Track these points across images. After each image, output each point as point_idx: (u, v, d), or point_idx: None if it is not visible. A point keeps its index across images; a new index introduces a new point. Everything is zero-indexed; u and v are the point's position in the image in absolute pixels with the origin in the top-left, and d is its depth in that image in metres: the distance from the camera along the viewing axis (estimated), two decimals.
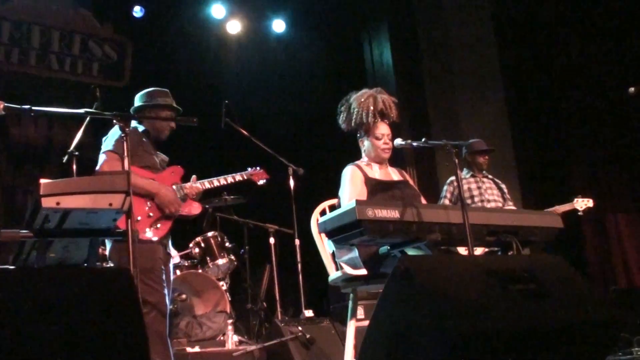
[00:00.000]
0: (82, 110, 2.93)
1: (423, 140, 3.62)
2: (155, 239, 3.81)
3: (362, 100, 4.01)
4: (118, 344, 1.82)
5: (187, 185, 4.15)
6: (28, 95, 7.27)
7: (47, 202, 2.46)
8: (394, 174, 4.12)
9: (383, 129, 4.05)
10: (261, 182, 4.92)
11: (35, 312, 1.80)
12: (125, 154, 2.87)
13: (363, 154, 4.12)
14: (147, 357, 1.81)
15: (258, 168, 4.93)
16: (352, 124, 4.03)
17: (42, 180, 2.48)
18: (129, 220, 2.67)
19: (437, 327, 2.00)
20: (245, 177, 4.75)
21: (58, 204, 2.47)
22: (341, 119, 4.12)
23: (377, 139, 4.02)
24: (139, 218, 3.73)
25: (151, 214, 3.85)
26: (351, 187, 3.87)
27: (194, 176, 4.25)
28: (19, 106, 2.86)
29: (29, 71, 7.83)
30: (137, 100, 4.23)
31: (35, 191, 2.48)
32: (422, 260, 2.55)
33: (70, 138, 4.40)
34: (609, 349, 2.38)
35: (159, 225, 3.86)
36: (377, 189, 3.87)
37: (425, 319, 2.06)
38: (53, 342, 1.79)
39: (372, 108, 3.99)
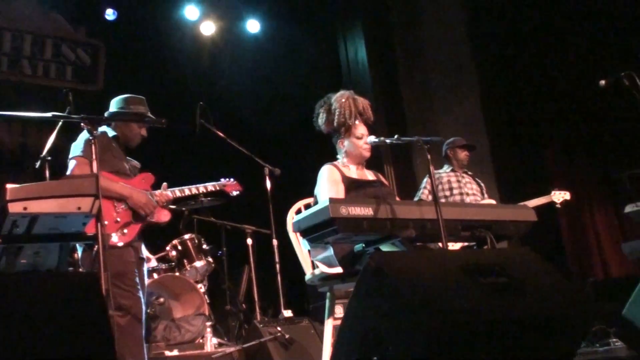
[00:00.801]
0: (49, 114, 2.90)
1: (396, 137, 3.62)
2: (121, 244, 3.78)
3: (343, 101, 4.04)
4: (85, 347, 1.81)
5: (157, 192, 4.13)
6: (1, 101, 7.22)
7: (14, 207, 2.42)
8: (369, 175, 4.15)
9: (362, 129, 4.08)
10: (234, 193, 4.89)
11: (1, 317, 1.78)
12: (94, 157, 2.85)
13: (341, 155, 4.12)
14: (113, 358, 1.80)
15: (232, 179, 4.90)
16: (334, 124, 4.04)
17: (9, 185, 2.44)
18: (99, 224, 2.64)
19: (408, 322, 2.01)
20: (218, 188, 4.72)
21: (25, 209, 2.44)
22: (320, 120, 4.13)
23: (358, 138, 4.05)
24: (106, 222, 3.70)
25: (118, 219, 3.83)
26: (328, 185, 3.88)
27: (164, 184, 4.23)
28: None
29: (1, 77, 7.74)
30: (112, 106, 4.21)
31: (1, 196, 2.44)
32: (393, 256, 2.55)
33: (44, 143, 4.35)
34: (581, 340, 2.39)
35: (125, 231, 3.84)
36: (353, 187, 3.89)
37: (396, 314, 2.06)
38: (19, 346, 1.77)
39: (353, 109, 4.03)
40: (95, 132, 2.92)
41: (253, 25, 8.63)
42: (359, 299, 2.27)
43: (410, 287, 2.10)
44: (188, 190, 4.37)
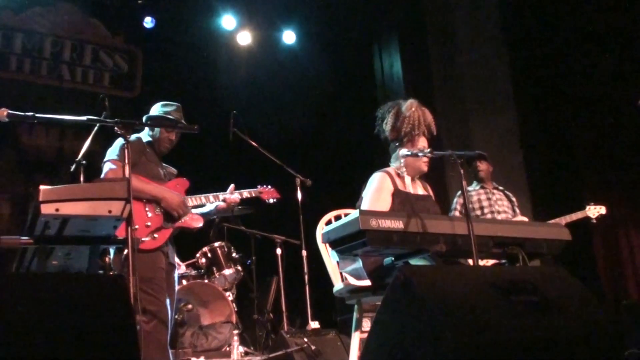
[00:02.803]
0: (84, 118, 2.93)
1: (428, 150, 3.58)
2: (150, 248, 3.80)
3: (413, 110, 3.91)
4: (110, 351, 1.81)
5: (227, 194, 4.22)
6: (39, 105, 7.34)
7: (46, 209, 2.45)
8: (420, 189, 4.03)
9: (424, 142, 3.96)
10: (271, 200, 4.86)
11: (25, 318, 1.79)
12: (126, 161, 2.87)
13: (397, 163, 3.98)
14: None
15: (269, 186, 4.88)
16: (401, 133, 3.91)
17: (42, 187, 2.47)
18: (129, 228, 2.65)
19: (435, 338, 1.97)
20: (254, 195, 4.72)
21: (57, 210, 2.46)
22: (386, 125, 3.97)
23: (419, 151, 3.91)
24: (137, 227, 3.73)
25: (149, 224, 3.85)
26: (374, 195, 3.77)
27: (232, 185, 4.35)
28: (22, 113, 2.86)
29: (41, 81, 7.89)
30: (151, 112, 4.28)
31: (34, 197, 2.47)
32: (422, 270, 2.51)
33: (81, 148, 4.40)
34: None
35: (156, 235, 3.86)
36: (401, 200, 3.77)
37: (424, 329, 2.02)
38: (44, 348, 1.78)
39: (421, 120, 3.92)
40: (128, 136, 2.95)
41: (289, 37, 8.66)
42: (387, 312, 2.23)
43: (438, 303, 2.06)
44: (223, 195, 4.39)
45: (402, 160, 3.93)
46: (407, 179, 3.94)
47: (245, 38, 8.43)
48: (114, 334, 1.84)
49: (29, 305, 1.81)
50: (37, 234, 2.61)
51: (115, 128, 2.95)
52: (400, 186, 3.86)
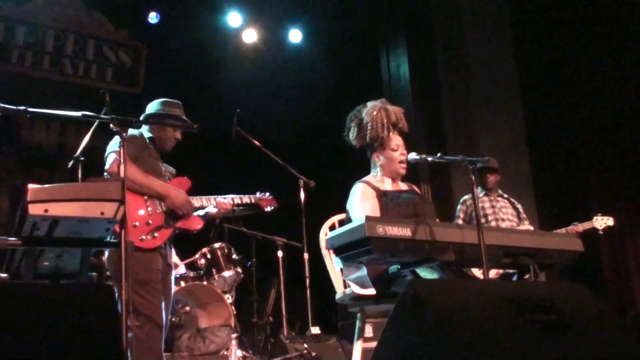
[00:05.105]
0: (79, 114, 2.79)
1: (438, 155, 3.45)
2: (149, 247, 3.66)
3: (374, 114, 3.85)
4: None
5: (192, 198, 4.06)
6: (40, 99, 7.25)
7: (34, 209, 2.31)
8: (403, 187, 3.96)
9: (397, 140, 3.90)
10: (269, 208, 4.77)
11: (9, 328, 1.66)
12: (122, 159, 2.74)
13: (377, 170, 3.93)
14: None
15: (267, 194, 4.78)
16: (367, 140, 3.87)
17: (30, 186, 2.34)
18: (123, 231, 2.50)
19: (445, 358, 1.84)
20: (253, 201, 4.62)
21: (46, 211, 2.32)
22: (352, 135, 3.97)
23: (394, 150, 3.86)
24: (137, 224, 3.60)
25: (150, 222, 3.71)
26: (361, 203, 3.70)
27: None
28: (14, 107, 2.72)
29: (43, 75, 7.80)
30: (148, 109, 4.15)
31: (22, 197, 2.33)
32: (434, 284, 2.37)
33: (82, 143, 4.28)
34: None
35: (156, 234, 3.71)
36: (389, 199, 3.71)
37: (433, 348, 1.89)
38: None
39: (385, 121, 3.84)
40: (124, 133, 2.82)
41: (295, 35, 8.58)
42: (396, 327, 2.10)
43: (449, 320, 1.93)
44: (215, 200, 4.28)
45: (378, 164, 3.90)
46: (387, 181, 3.87)
47: (251, 36, 8.35)
48: (99, 346, 1.72)
49: (12, 315, 1.68)
50: (25, 235, 2.48)
51: (111, 125, 2.81)
52: (381, 188, 3.80)
